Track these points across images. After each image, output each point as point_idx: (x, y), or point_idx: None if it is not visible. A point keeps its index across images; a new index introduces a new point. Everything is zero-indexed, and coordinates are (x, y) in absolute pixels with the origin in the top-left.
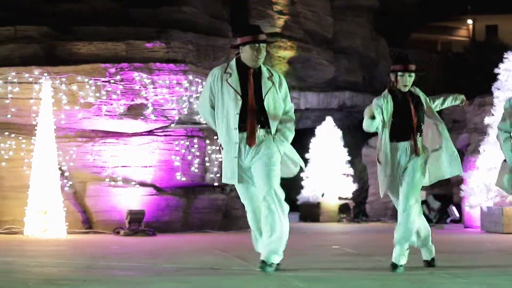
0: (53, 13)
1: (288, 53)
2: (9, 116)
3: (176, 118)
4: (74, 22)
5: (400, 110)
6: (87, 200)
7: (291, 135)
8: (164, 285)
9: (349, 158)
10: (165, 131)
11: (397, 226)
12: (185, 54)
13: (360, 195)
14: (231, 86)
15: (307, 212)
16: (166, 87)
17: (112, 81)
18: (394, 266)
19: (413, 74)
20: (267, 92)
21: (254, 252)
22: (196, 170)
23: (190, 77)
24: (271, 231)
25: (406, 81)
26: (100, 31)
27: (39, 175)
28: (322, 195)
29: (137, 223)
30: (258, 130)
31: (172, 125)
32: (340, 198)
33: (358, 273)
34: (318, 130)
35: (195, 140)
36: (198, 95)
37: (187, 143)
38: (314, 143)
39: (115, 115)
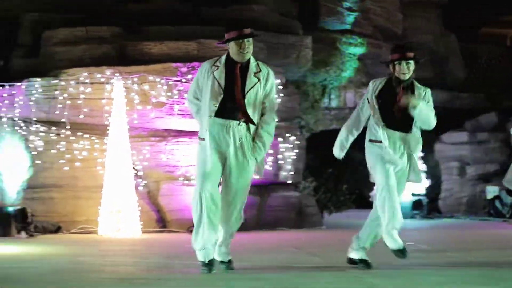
0: (123, 13)
1: (358, 50)
2: (81, 116)
3: None
4: (145, 22)
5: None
6: (160, 199)
7: (270, 141)
8: (239, 283)
9: (421, 154)
10: None
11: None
12: (256, 53)
13: (433, 191)
14: (215, 79)
15: None
16: None
17: (183, 80)
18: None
19: (411, 62)
20: (251, 88)
21: (328, 249)
22: (269, 168)
23: None
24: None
25: (404, 69)
26: (171, 31)
27: (112, 175)
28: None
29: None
30: (240, 124)
31: None
32: (413, 195)
33: (431, 269)
34: None
35: None
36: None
37: None
38: None
39: (188, 114)
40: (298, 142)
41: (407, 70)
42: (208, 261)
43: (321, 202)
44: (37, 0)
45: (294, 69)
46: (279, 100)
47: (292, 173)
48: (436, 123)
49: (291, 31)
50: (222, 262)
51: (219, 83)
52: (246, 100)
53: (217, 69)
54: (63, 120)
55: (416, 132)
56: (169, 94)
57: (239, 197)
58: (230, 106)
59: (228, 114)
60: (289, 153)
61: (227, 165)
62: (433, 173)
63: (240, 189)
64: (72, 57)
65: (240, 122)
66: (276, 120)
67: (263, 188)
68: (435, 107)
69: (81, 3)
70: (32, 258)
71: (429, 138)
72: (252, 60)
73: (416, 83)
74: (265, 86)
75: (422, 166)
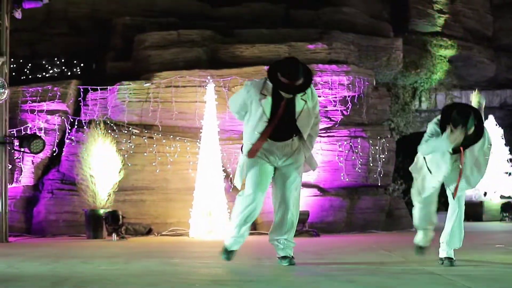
0: (214, 17)
1: (449, 52)
2: (174, 119)
3: (339, 119)
4: (236, 25)
5: None
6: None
7: (314, 140)
8: (331, 285)
9: (510, 156)
10: (329, 132)
11: None
12: (347, 55)
13: None
14: (262, 108)
15: (470, 211)
16: (329, 88)
17: None
18: None
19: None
20: (300, 111)
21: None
22: (359, 171)
23: (352, 77)
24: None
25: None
26: (262, 34)
27: (204, 177)
28: (485, 194)
29: (301, 224)
30: (293, 140)
31: (336, 126)
32: (502, 197)
33: None
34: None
35: (359, 141)
36: (360, 95)
37: (351, 143)
38: None
39: None
40: (388, 145)
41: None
42: (230, 250)
43: (411, 204)
44: (129, 4)
45: (385, 71)
46: (369, 103)
47: (382, 175)
48: None
49: (382, 33)
50: (284, 257)
51: (264, 113)
52: (298, 123)
53: (265, 98)
54: (155, 123)
55: None
56: None
57: (291, 197)
58: (282, 131)
59: (280, 137)
60: (379, 155)
61: (278, 171)
62: None
63: (291, 190)
64: (164, 60)
65: (293, 139)
66: (319, 119)
67: (353, 191)
68: None
69: (173, 6)
70: (123, 259)
71: None
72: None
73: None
74: (312, 102)
75: (511, 169)
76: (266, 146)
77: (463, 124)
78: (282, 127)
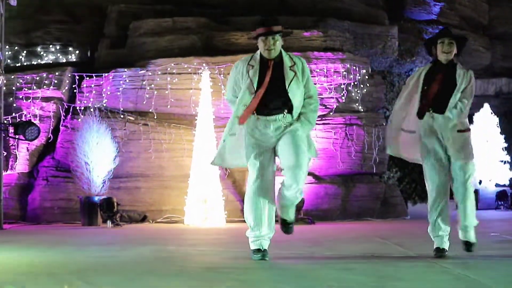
0: (210, 4)
1: None
2: (169, 106)
3: (335, 106)
4: (231, 13)
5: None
6: (246, 189)
7: (314, 117)
8: (326, 273)
9: (505, 145)
10: (324, 120)
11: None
12: (343, 43)
13: None
14: (249, 78)
15: None
16: (324, 75)
17: None
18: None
19: (454, 42)
20: (290, 82)
21: (413, 240)
22: (354, 158)
23: (348, 65)
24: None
25: (446, 48)
26: (256, 21)
27: (199, 165)
28: (480, 182)
29: (296, 211)
30: (285, 115)
31: (331, 113)
32: (497, 185)
33: None
34: (475, 117)
35: (354, 128)
36: (356, 82)
37: (346, 131)
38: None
39: None
40: (383, 133)
41: (449, 49)
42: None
43: (406, 192)
44: None
45: (380, 59)
46: (364, 91)
47: (377, 163)
48: None
49: (378, 21)
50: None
51: (251, 82)
52: (290, 95)
53: (252, 68)
54: (150, 110)
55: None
56: None
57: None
58: (271, 102)
59: (269, 111)
60: (374, 143)
61: (278, 146)
62: None
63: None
64: (159, 48)
65: (284, 114)
66: (317, 104)
67: (348, 178)
68: None
69: None
70: (118, 247)
71: None
72: (284, 54)
73: (458, 64)
74: (303, 78)
75: (506, 157)
76: (257, 131)
77: (447, 33)
78: (271, 99)
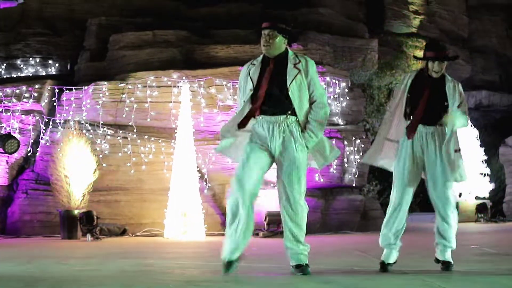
0: (190, 17)
1: None
2: (148, 119)
3: None
4: (211, 26)
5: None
6: (226, 202)
7: (321, 129)
8: (305, 286)
9: (485, 157)
10: None
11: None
12: (322, 56)
13: (497, 195)
14: (250, 76)
15: None
16: None
17: None
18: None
19: (445, 61)
20: (292, 80)
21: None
22: (334, 171)
23: (328, 78)
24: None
25: (437, 68)
26: (237, 34)
27: (178, 178)
28: (460, 195)
29: (275, 225)
30: (288, 117)
31: None
32: (477, 198)
33: (498, 273)
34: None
35: (333, 141)
36: (335, 96)
37: None
38: None
39: None
40: (363, 145)
41: (439, 69)
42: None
43: (386, 205)
44: (105, 4)
45: (360, 72)
46: (344, 104)
47: (357, 176)
48: (501, 126)
49: (357, 34)
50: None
51: (251, 79)
52: (290, 93)
53: (254, 66)
54: (130, 123)
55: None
56: (235, 97)
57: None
58: (272, 102)
59: (270, 110)
60: (354, 156)
61: (277, 160)
62: (497, 176)
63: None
64: (139, 61)
65: (287, 116)
66: (326, 109)
67: (328, 191)
68: (500, 111)
69: (149, 6)
70: (98, 260)
71: (493, 141)
72: (290, 53)
73: (447, 76)
74: (306, 76)
75: (486, 170)
76: (258, 128)
77: (439, 56)
78: (272, 97)
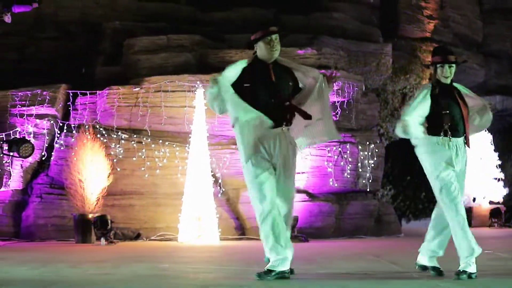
0: (204, 21)
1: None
2: (163, 124)
3: None
4: (225, 30)
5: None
6: (240, 206)
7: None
8: None
9: (499, 162)
10: None
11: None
12: (337, 60)
13: (511, 200)
14: (250, 81)
15: None
16: None
17: None
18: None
19: (453, 65)
20: (293, 83)
21: (407, 257)
22: (348, 176)
23: (342, 83)
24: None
25: (447, 73)
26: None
27: (193, 182)
28: (474, 200)
29: (290, 229)
30: (284, 128)
31: None
32: (491, 203)
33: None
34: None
35: (348, 146)
36: (350, 100)
37: (340, 149)
38: None
39: None
40: (377, 150)
41: (449, 73)
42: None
43: (400, 210)
44: (118, 9)
45: (374, 77)
46: (358, 108)
47: (371, 181)
48: None
49: (371, 39)
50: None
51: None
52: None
53: (252, 71)
54: (144, 127)
55: None
56: None
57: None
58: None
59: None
60: (368, 161)
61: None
62: (511, 181)
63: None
64: (153, 65)
65: (284, 127)
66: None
67: (342, 196)
68: None
69: (162, 11)
70: (112, 264)
71: (508, 146)
72: (279, 59)
73: (455, 85)
74: (297, 70)
75: (500, 174)
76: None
77: (446, 60)
78: (273, 104)
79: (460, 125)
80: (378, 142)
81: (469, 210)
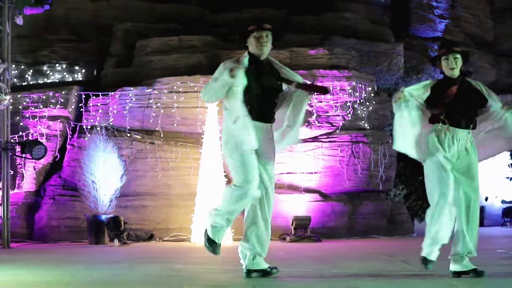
0: (215, 22)
1: None
2: (175, 125)
3: (341, 124)
4: (237, 31)
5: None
6: None
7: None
8: None
9: (511, 161)
10: (330, 137)
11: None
12: (348, 60)
13: None
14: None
15: None
16: (330, 93)
17: None
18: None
19: (459, 56)
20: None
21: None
22: (361, 176)
23: (354, 83)
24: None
25: (452, 64)
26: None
27: (205, 183)
28: (486, 199)
29: (303, 229)
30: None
31: (337, 131)
32: (503, 202)
33: None
34: None
35: (360, 146)
36: (361, 100)
37: (352, 149)
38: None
39: None
40: (389, 150)
41: (454, 64)
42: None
43: (412, 209)
44: (130, 10)
45: (386, 76)
46: (370, 108)
47: (383, 180)
48: None
49: (383, 38)
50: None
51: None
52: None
53: (244, 68)
54: (156, 128)
55: None
56: None
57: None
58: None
59: (265, 116)
60: (380, 160)
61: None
62: None
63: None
64: (165, 66)
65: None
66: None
67: (354, 196)
68: None
69: (173, 12)
70: (126, 265)
71: None
72: (272, 59)
73: (469, 80)
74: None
75: None
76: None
77: (450, 50)
78: (265, 100)
79: (462, 117)
80: (390, 141)
81: (481, 210)
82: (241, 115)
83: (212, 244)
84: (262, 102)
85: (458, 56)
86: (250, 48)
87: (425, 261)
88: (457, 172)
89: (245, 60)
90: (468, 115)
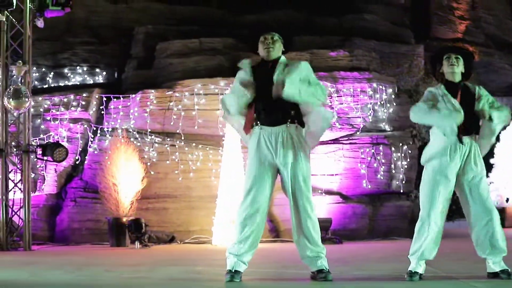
0: (236, 24)
1: None
2: (196, 127)
3: (361, 126)
4: (258, 33)
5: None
6: (274, 209)
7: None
8: None
9: None
10: (351, 139)
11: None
12: (369, 62)
13: None
14: (249, 80)
15: None
16: (351, 95)
17: None
18: None
19: (460, 57)
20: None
21: (441, 258)
22: (382, 178)
23: (374, 84)
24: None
25: (454, 62)
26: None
27: (226, 185)
28: (507, 200)
29: (324, 231)
30: (288, 125)
31: (358, 133)
32: None
33: None
34: (502, 134)
35: (381, 148)
36: (382, 102)
37: (373, 150)
38: (498, 148)
39: None
40: (410, 151)
41: (456, 63)
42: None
43: None
44: (151, 13)
45: (407, 78)
46: (391, 110)
47: (404, 182)
48: None
49: (403, 40)
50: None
51: (252, 85)
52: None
53: (252, 71)
54: (177, 131)
55: None
56: None
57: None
58: (273, 108)
59: (273, 120)
60: (401, 162)
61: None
62: None
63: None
64: (186, 69)
65: (288, 124)
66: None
67: (376, 198)
68: None
69: (194, 15)
70: (147, 268)
71: None
72: (283, 58)
73: (468, 84)
74: (295, 74)
75: None
76: (261, 145)
77: (453, 50)
78: (271, 103)
79: (465, 124)
80: (411, 143)
81: (502, 211)
82: (253, 124)
83: None
84: (270, 106)
85: (460, 57)
86: (260, 54)
87: (411, 274)
88: (464, 183)
89: (245, 65)
90: (471, 121)
